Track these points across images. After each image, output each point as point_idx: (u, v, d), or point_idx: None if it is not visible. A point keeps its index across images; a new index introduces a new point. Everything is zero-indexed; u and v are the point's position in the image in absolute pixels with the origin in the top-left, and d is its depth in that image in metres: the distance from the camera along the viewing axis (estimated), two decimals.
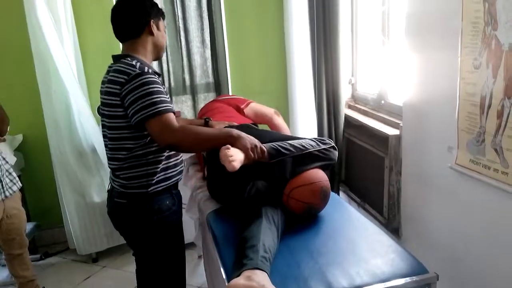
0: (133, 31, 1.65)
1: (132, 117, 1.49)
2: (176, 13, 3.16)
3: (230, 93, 3.41)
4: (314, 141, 1.80)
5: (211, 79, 3.39)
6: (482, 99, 1.54)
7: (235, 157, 1.48)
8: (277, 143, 1.71)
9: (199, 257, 2.92)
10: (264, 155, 1.61)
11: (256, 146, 1.59)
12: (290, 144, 1.72)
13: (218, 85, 3.41)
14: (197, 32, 3.24)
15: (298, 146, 1.73)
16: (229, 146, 1.51)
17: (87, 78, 2.98)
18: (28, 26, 2.60)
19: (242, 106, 2.30)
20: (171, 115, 1.50)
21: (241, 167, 1.52)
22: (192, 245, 2.85)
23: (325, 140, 1.84)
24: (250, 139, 1.58)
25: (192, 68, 3.31)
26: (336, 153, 1.84)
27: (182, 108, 3.41)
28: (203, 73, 3.36)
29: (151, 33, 1.66)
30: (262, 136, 1.75)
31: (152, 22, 1.65)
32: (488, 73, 1.49)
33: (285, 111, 3.37)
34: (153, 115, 1.46)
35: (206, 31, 3.26)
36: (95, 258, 3.05)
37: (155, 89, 1.49)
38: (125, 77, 1.50)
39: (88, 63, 2.99)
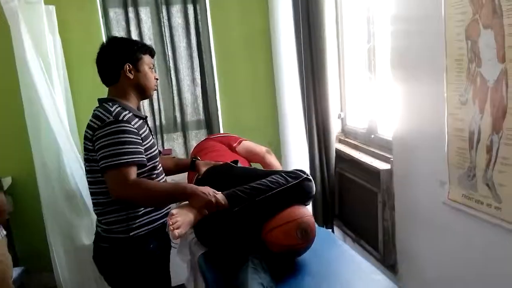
0: (111, 77, 1.67)
1: (98, 163, 1.50)
2: (167, 53, 3.22)
3: (221, 130, 3.42)
4: (283, 177, 1.69)
5: (202, 116, 3.42)
6: (471, 134, 1.54)
7: (180, 222, 1.47)
8: (238, 188, 1.64)
9: None
10: (222, 206, 1.58)
11: (211, 201, 1.55)
12: (253, 187, 1.64)
13: (209, 122, 3.43)
14: (187, 71, 3.29)
15: (262, 187, 1.64)
16: (174, 212, 1.49)
17: (78, 121, 2.99)
18: (18, 71, 2.62)
19: (234, 145, 2.31)
20: (130, 169, 1.48)
21: (212, 217, 1.55)
22: (185, 286, 2.78)
23: (295, 173, 1.72)
24: (204, 195, 1.54)
25: (183, 106, 3.34)
26: (311, 184, 1.74)
27: (174, 146, 3.42)
28: (194, 110, 3.39)
29: (128, 77, 1.65)
30: (239, 175, 1.75)
31: (127, 66, 1.64)
32: (475, 109, 1.51)
33: (277, 147, 3.38)
34: (110, 166, 1.46)
35: (197, 70, 3.31)
36: None
37: (124, 139, 1.49)
38: (99, 122, 1.51)
39: (79, 105, 3.02)
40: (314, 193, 1.77)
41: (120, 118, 1.51)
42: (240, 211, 1.61)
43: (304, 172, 1.74)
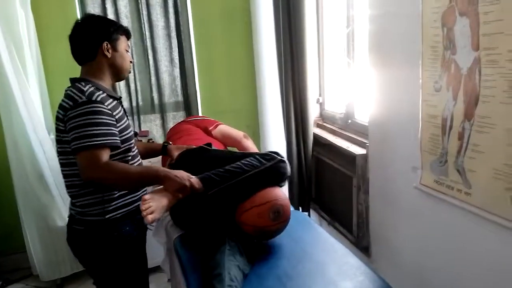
0: (87, 54, 1.62)
1: (70, 144, 1.46)
2: (144, 33, 3.14)
3: (200, 112, 3.39)
4: (257, 159, 1.71)
5: (180, 97, 3.37)
6: (444, 121, 1.57)
7: (153, 207, 1.43)
8: (213, 172, 1.64)
9: (169, 280, 2.84)
10: (197, 189, 1.56)
11: (185, 185, 1.53)
12: (227, 170, 1.65)
13: (188, 104, 3.38)
14: (165, 51, 3.23)
15: (237, 170, 1.65)
16: (146, 197, 1.46)
17: (52, 100, 2.91)
18: None
19: (210, 128, 2.28)
20: (101, 151, 1.44)
21: (187, 200, 1.53)
22: (161, 268, 2.78)
23: (270, 155, 1.74)
24: (178, 179, 1.52)
25: (161, 87, 3.29)
26: (286, 165, 1.75)
27: (151, 127, 3.37)
28: (172, 92, 3.34)
29: (105, 56, 1.62)
30: (214, 159, 1.73)
31: (105, 44, 1.61)
32: (448, 96, 1.53)
33: (255, 129, 3.37)
34: (81, 148, 1.42)
35: (175, 50, 3.24)
36: (59, 284, 2.92)
37: (96, 120, 1.45)
38: (71, 103, 1.47)
39: (52, 84, 2.93)
40: (289, 174, 1.78)
41: (93, 98, 1.47)
42: (215, 194, 1.60)
43: (278, 154, 1.76)
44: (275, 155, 1.74)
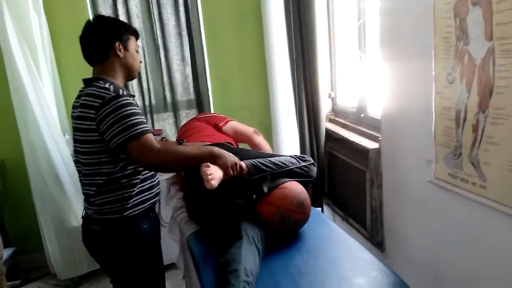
0: (100, 55, 1.64)
1: (111, 140, 1.48)
2: (155, 32, 3.17)
3: (212, 110, 3.40)
4: (294, 158, 1.82)
5: (192, 96, 3.39)
6: (457, 113, 1.55)
7: (214, 175, 1.51)
8: (257, 160, 1.72)
9: (184, 277, 2.86)
10: (243, 172, 1.64)
11: (235, 164, 1.61)
12: (271, 161, 1.74)
13: (200, 102, 3.40)
14: (176, 49, 3.25)
15: (279, 163, 1.76)
16: (209, 164, 1.52)
17: (66, 100, 2.95)
18: (2, 52, 2.58)
19: (220, 124, 2.28)
20: (150, 136, 1.49)
21: (220, 185, 1.55)
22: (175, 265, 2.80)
23: (304, 157, 1.86)
24: (230, 157, 1.61)
25: (173, 85, 3.31)
26: (315, 169, 1.87)
27: (164, 126, 3.40)
28: (184, 90, 3.36)
29: (118, 55, 1.65)
30: (239, 154, 1.76)
31: (117, 44, 1.64)
32: (462, 88, 1.51)
33: (268, 126, 3.37)
34: (132, 137, 1.45)
35: (186, 49, 3.26)
36: (77, 282, 2.98)
37: (132, 111, 1.48)
38: (100, 101, 1.48)
39: (66, 84, 2.97)
40: (315, 178, 1.89)
41: (120, 92, 1.51)
42: (254, 181, 1.67)
43: (311, 158, 1.89)
44: (309, 158, 1.88)
